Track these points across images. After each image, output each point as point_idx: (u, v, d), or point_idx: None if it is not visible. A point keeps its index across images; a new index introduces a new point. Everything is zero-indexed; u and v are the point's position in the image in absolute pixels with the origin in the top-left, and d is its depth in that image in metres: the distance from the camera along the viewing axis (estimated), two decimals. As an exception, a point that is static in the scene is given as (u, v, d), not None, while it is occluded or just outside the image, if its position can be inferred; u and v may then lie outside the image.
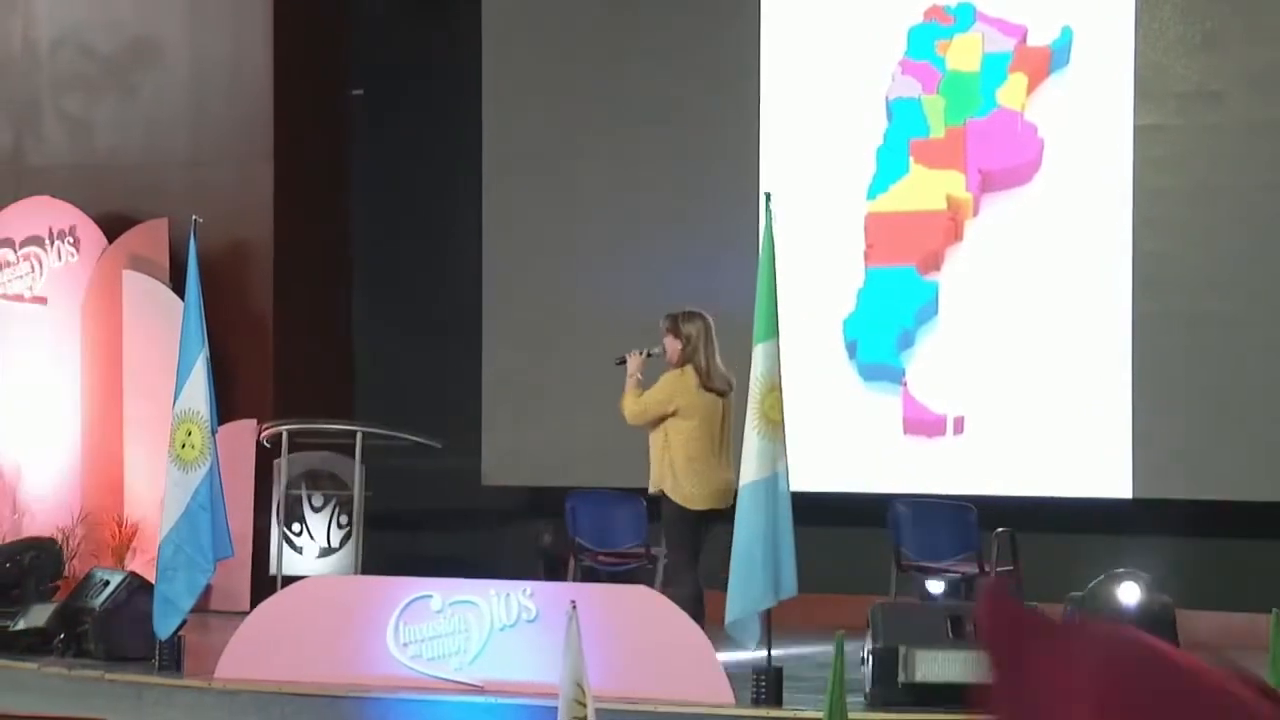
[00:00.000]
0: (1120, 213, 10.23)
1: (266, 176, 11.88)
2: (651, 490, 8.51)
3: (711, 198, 11.03)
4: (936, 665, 7.40)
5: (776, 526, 7.57)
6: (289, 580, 9.72)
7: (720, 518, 8.32)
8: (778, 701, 7.58)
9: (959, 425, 10.49)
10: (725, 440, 8.34)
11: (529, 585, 8.08)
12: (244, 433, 11.20)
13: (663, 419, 8.33)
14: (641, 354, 8.53)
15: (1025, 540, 9.78)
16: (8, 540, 11.10)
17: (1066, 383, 10.30)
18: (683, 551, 8.38)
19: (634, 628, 7.76)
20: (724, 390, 8.37)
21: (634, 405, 8.45)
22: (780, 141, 10.95)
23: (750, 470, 7.62)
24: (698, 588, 8.23)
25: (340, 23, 12.38)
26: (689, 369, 8.35)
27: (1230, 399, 10.01)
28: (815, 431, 10.39)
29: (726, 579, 7.68)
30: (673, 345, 8.39)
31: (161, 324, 11.21)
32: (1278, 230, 10.01)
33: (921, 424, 10.56)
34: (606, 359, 11.18)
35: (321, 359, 12.06)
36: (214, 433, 8.58)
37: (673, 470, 8.29)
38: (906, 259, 10.64)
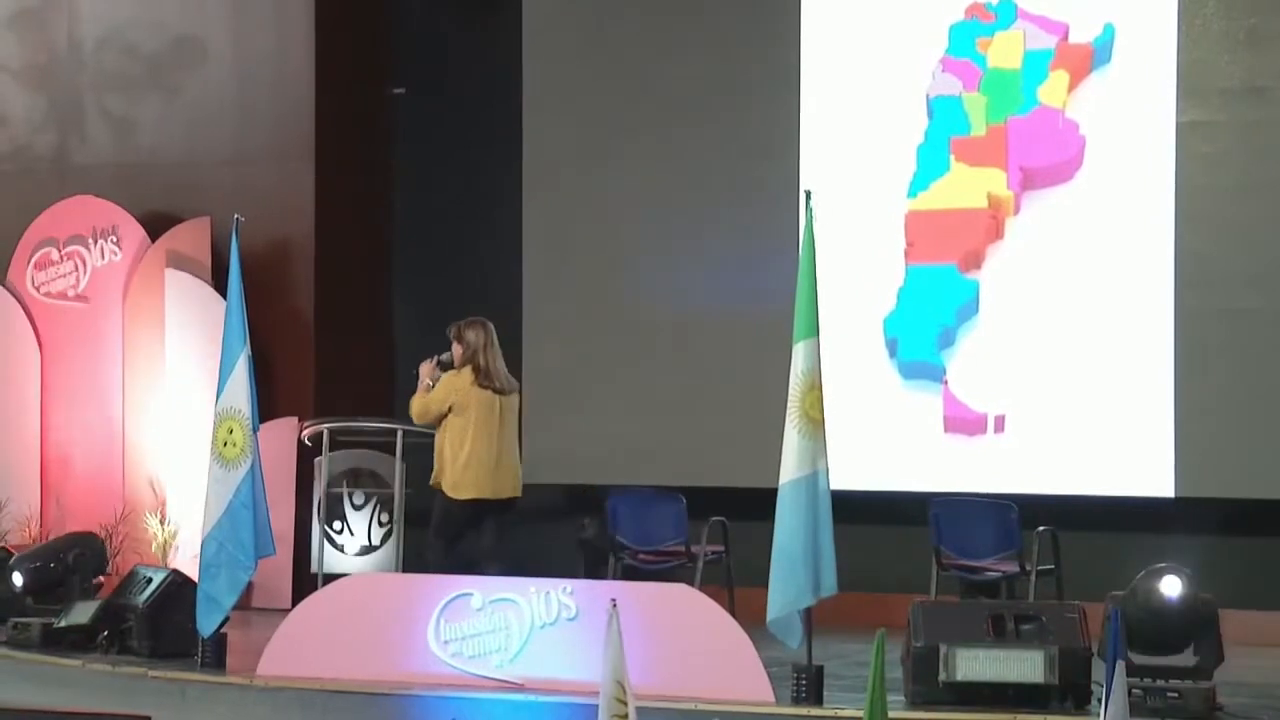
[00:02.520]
0: (1163, 210, 10.19)
1: (308, 175, 11.93)
2: (431, 483, 9.27)
3: (752, 196, 11.02)
4: (977, 664, 7.38)
5: (816, 525, 7.56)
6: (330, 578, 9.77)
7: (492, 509, 9.27)
8: (818, 700, 7.56)
9: (1000, 424, 10.46)
10: (504, 436, 9.28)
11: (569, 583, 8.09)
12: (285, 431, 11.25)
13: (443, 416, 9.21)
14: (432, 361, 9.41)
15: (1067, 539, 9.75)
16: (52, 537, 11.18)
17: (1108, 381, 10.26)
18: (441, 541, 9.09)
19: (675, 626, 7.76)
20: (502, 390, 9.29)
21: (417, 405, 9.37)
22: (821, 139, 10.94)
23: (790, 468, 7.60)
24: None
25: (381, 22, 12.42)
26: (467, 369, 9.25)
27: (1274, 397, 9.95)
28: (855, 430, 10.38)
29: (765, 577, 7.66)
30: (457, 351, 9.31)
31: (203, 322, 11.28)
32: (1322, 228, 9.96)
33: (962, 422, 10.54)
34: (647, 358, 11.24)
35: (363, 357, 12.10)
36: (256, 431, 8.61)
37: (447, 462, 9.14)
38: (947, 257, 10.61)
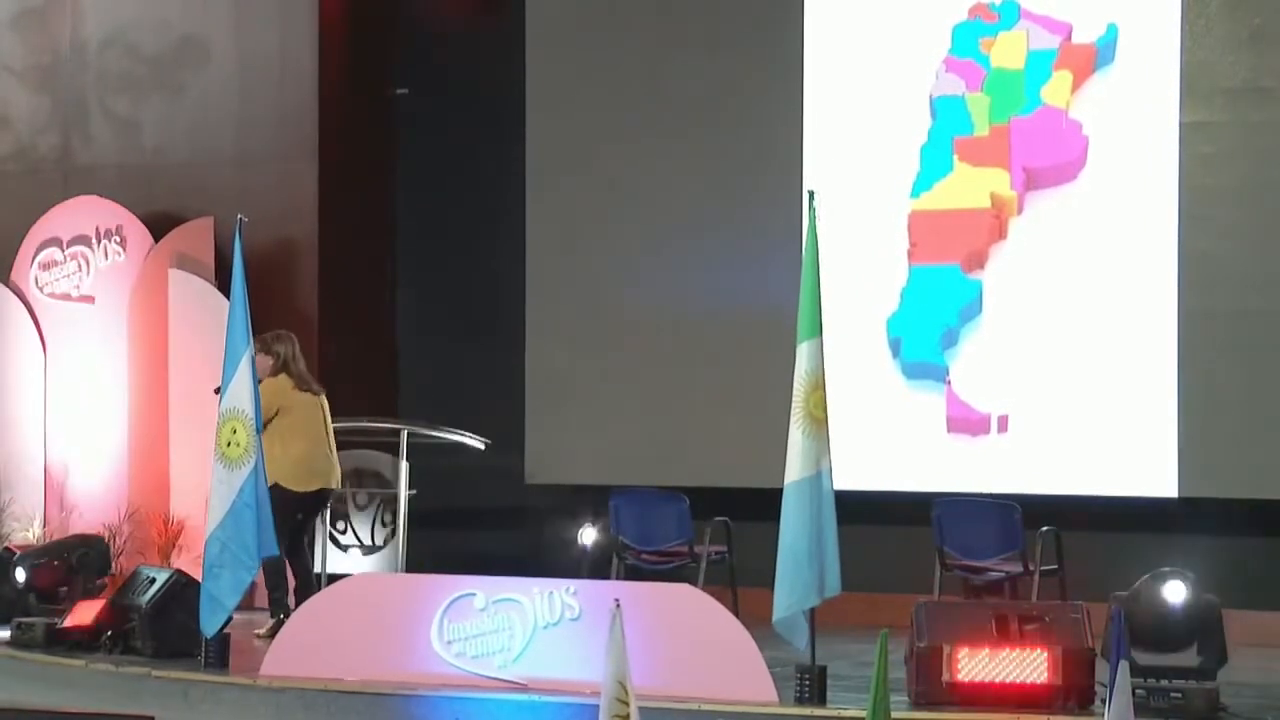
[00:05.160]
0: (1166, 210, 10.18)
1: (311, 176, 11.93)
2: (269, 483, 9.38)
3: (755, 196, 11.03)
4: (980, 665, 7.38)
5: (820, 525, 7.56)
6: (334, 578, 9.77)
7: (326, 497, 9.92)
8: (821, 700, 7.56)
9: (1003, 424, 10.46)
10: (326, 432, 9.80)
11: (572, 583, 8.09)
12: (289, 431, 11.23)
13: (270, 421, 9.39)
14: None
15: (1070, 539, 9.75)
16: (56, 538, 11.18)
17: (1112, 381, 10.25)
18: (285, 533, 9.29)
19: (677, 626, 7.76)
20: (317, 391, 9.84)
21: None
22: (824, 140, 10.94)
23: (794, 468, 7.60)
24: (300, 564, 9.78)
25: (384, 22, 12.42)
26: (283, 377, 9.77)
27: (1278, 397, 9.95)
28: (859, 430, 10.38)
29: (768, 577, 7.66)
30: (264, 362, 9.66)
31: (207, 323, 11.27)
32: (1326, 228, 9.95)
33: (965, 422, 10.54)
34: (651, 358, 11.24)
35: (366, 358, 12.10)
36: (259, 431, 8.61)
37: (285, 461, 9.50)
38: (950, 257, 10.61)
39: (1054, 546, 9.67)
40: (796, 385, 7.60)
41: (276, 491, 9.34)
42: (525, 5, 11.63)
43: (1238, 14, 10.11)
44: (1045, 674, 7.31)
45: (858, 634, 8.60)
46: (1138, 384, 10.20)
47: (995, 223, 10.53)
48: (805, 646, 7.60)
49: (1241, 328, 10.05)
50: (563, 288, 11.49)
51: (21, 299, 12.34)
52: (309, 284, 11.89)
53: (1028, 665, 7.34)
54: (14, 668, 9.12)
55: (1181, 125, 10.15)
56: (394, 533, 11.06)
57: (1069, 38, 10.43)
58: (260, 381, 9.37)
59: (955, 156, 10.63)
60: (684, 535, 10.16)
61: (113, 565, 10.55)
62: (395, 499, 10.92)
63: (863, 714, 5.65)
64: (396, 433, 10.78)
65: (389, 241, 12.46)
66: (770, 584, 7.62)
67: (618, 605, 5.87)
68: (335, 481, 9.89)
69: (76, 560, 10.11)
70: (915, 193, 10.72)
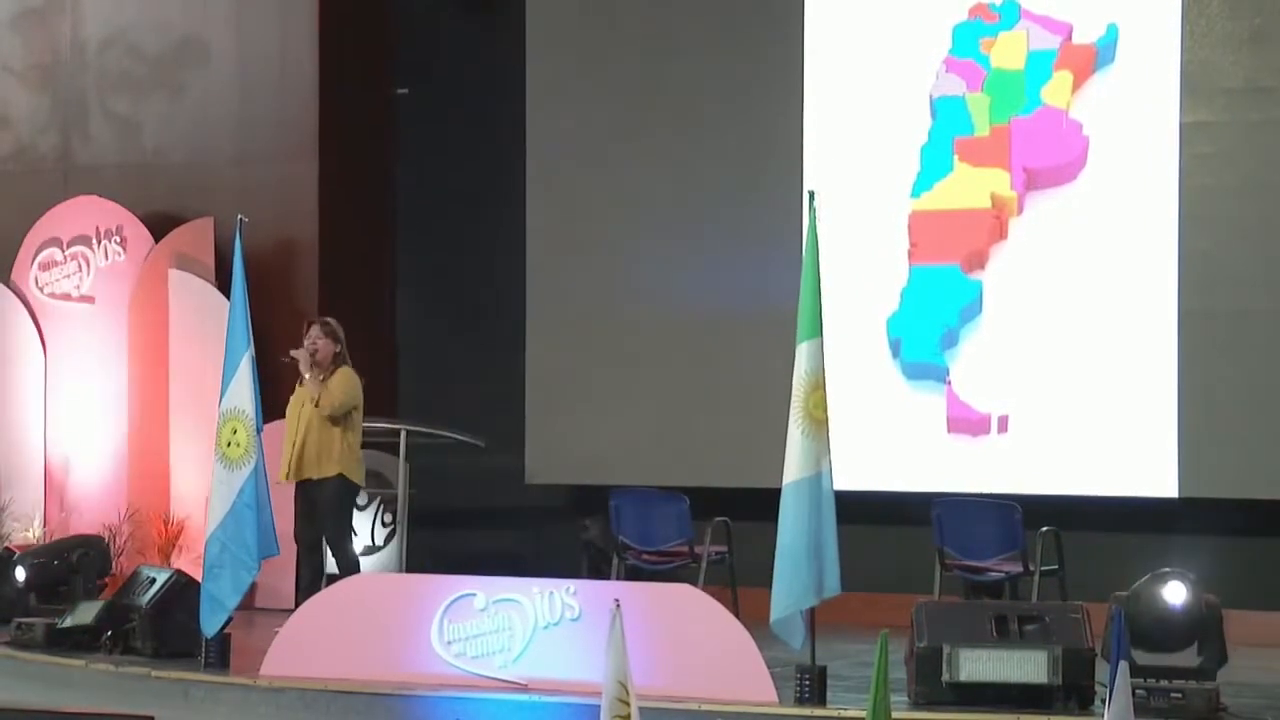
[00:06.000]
0: (1167, 210, 10.19)
1: (312, 175, 11.94)
2: (304, 478, 9.35)
3: (755, 196, 11.03)
4: (980, 665, 7.38)
5: (820, 525, 7.56)
6: (334, 578, 9.77)
7: None
8: (821, 700, 7.56)
9: (1003, 424, 10.46)
10: None
11: (572, 583, 8.09)
12: (289, 431, 11.23)
13: (349, 414, 9.40)
14: (306, 351, 9.51)
15: (1070, 540, 9.75)
16: (56, 538, 11.19)
17: (1112, 381, 10.25)
18: (349, 526, 9.40)
19: (678, 626, 7.76)
20: None
21: (336, 402, 9.36)
22: (824, 140, 10.94)
23: (794, 468, 7.60)
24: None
25: (385, 22, 12.43)
26: (350, 368, 9.48)
27: (1278, 396, 9.95)
28: (859, 430, 10.38)
29: (768, 577, 7.66)
30: (330, 347, 9.46)
31: (207, 323, 11.28)
32: (1326, 228, 9.95)
33: (965, 423, 10.54)
34: (651, 358, 11.25)
35: (366, 357, 12.06)
36: (259, 431, 8.62)
37: (355, 454, 9.41)
38: (951, 257, 10.62)
39: (1054, 546, 9.67)
40: (796, 385, 7.60)
41: (344, 483, 9.44)
42: (525, 5, 11.63)
43: (1238, 14, 10.11)
44: (1045, 674, 7.31)
45: (858, 634, 8.60)
46: (1138, 384, 10.20)
47: (995, 223, 10.53)
48: (801, 647, 7.60)
49: (1241, 328, 10.05)
50: (563, 287, 11.49)
51: (21, 299, 12.35)
52: (309, 284, 11.89)
53: (1028, 665, 7.33)
54: (14, 668, 9.13)
55: (1181, 125, 10.15)
56: (394, 533, 11.06)
57: (1069, 38, 10.43)
58: (324, 367, 9.42)
59: (955, 156, 10.63)
60: (684, 535, 10.16)
61: (113, 565, 10.56)
62: (395, 499, 10.91)
63: (863, 714, 5.65)
64: (396, 433, 10.77)
65: (389, 241, 12.46)
66: (770, 584, 7.62)
67: (618, 605, 5.87)
68: None
69: (76, 560, 10.12)
70: (915, 193, 10.72)
